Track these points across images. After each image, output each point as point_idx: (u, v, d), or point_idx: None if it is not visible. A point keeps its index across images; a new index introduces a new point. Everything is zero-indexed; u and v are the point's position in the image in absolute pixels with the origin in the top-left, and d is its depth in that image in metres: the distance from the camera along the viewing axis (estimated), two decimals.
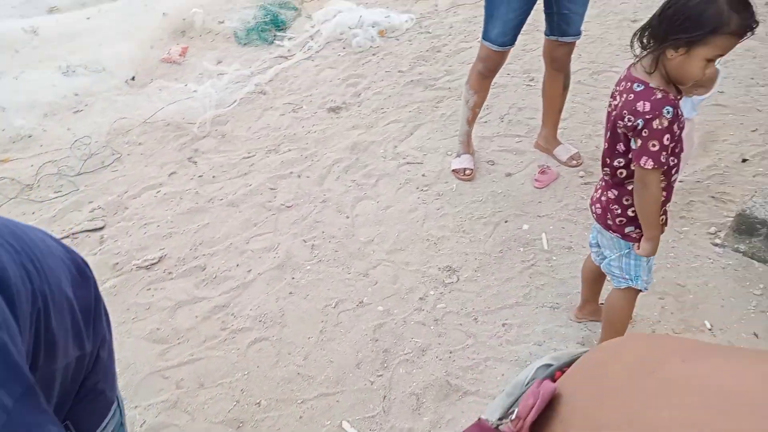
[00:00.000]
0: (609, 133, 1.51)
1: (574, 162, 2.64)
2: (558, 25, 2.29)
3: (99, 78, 3.49)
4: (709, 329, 1.84)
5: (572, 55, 3.61)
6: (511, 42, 2.30)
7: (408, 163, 2.81)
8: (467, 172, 2.64)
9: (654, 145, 1.38)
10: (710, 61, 1.32)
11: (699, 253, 2.09)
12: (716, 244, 2.09)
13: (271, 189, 2.72)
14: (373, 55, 3.89)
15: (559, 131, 2.90)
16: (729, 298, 1.92)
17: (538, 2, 2.25)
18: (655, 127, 1.37)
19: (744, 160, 2.51)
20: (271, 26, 4.13)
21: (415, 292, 2.12)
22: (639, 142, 1.40)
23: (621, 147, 1.48)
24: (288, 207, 2.60)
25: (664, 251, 2.03)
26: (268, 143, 3.04)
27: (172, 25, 4.08)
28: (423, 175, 2.71)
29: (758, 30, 3.49)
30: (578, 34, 2.33)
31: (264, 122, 3.22)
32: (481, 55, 2.41)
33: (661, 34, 1.36)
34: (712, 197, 2.34)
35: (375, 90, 3.48)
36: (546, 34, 2.39)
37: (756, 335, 1.79)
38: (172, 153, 3.05)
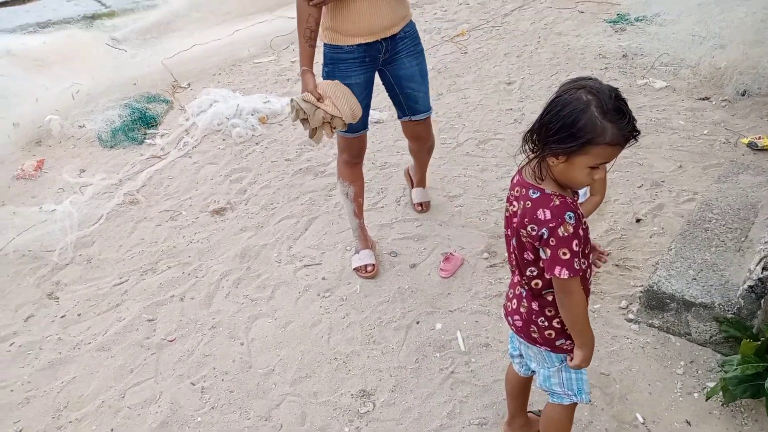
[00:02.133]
0: (514, 240, 1.38)
1: (420, 208, 2.79)
2: (407, 106, 2.29)
3: None
4: (642, 423, 1.72)
5: (456, 125, 3.67)
6: (363, 127, 2.26)
7: (305, 266, 2.57)
8: (369, 268, 2.46)
9: (564, 254, 1.26)
10: (594, 168, 1.23)
11: (616, 333, 2.01)
12: (630, 320, 2.03)
13: (149, 321, 2.36)
14: (257, 144, 3.68)
15: (455, 209, 2.84)
16: (655, 383, 1.83)
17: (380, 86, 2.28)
18: (561, 234, 1.25)
19: (638, 220, 2.53)
20: (140, 124, 3.81)
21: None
22: (548, 251, 1.28)
23: (529, 256, 1.35)
24: (170, 341, 2.25)
25: None
26: (144, 262, 2.68)
27: (26, 135, 3.64)
28: (323, 278, 2.48)
29: (621, 81, 3.64)
30: (428, 109, 2.34)
31: (137, 237, 2.86)
32: (341, 145, 2.35)
33: (541, 141, 1.27)
34: (616, 265, 2.30)
35: (262, 184, 3.24)
36: (399, 117, 2.37)
37: (688, 423, 1.70)
38: (28, 291, 2.59)
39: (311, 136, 2.03)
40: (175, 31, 5.33)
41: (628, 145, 1.20)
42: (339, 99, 2.00)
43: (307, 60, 2.03)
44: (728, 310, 1.76)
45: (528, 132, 1.31)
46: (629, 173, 2.88)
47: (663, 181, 2.81)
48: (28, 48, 5.11)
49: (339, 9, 2.00)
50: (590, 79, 1.27)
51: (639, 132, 1.20)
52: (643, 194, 2.73)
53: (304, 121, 1.98)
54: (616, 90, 1.21)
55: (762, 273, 1.66)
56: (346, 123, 2.04)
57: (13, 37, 5.62)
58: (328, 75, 2.13)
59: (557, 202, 1.28)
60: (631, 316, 2.04)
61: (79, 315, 2.43)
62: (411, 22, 2.18)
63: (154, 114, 3.93)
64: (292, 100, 1.98)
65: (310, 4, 1.96)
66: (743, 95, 3.53)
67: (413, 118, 2.31)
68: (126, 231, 2.91)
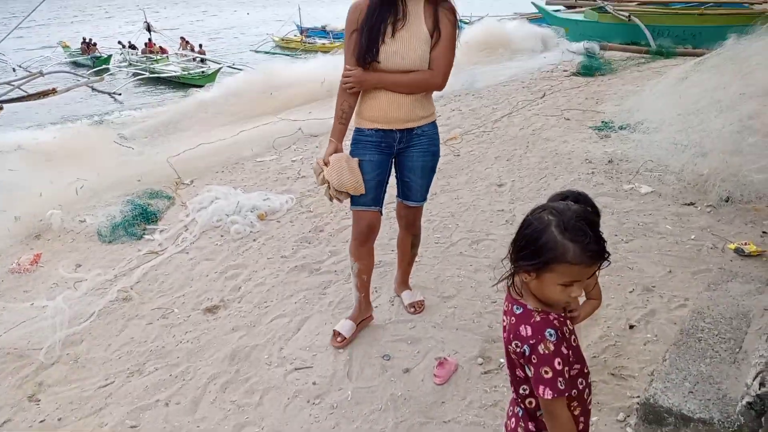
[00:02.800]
0: (506, 356, 1.38)
1: (413, 309, 2.81)
2: (402, 190, 2.55)
3: None
4: None
5: (449, 225, 3.75)
6: (374, 203, 2.43)
7: (296, 369, 2.52)
8: (339, 339, 2.63)
9: (546, 372, 1.25)
10: (567, 285, 1.25)
11: None
12: None
13: (132, 427, 2.26)
14: (254, 240, 3.74)
15: (449, 310, 2.83)
16: None
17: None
18: (542, 352, 1.25)
19: (631, 327, 2.53)
20: (140, 220, 3.89)
21: None
22: (531, 369, 1.27)
23: (520, 373, 1.35)
24: None
25: None
26: (131, 363, 2.63)
27: (26, 229, 3.70)
28: (314, 383, 2.42)
29: (608, 186, 3.74)
30: (419, 201, 2.55)
31: (127, 336, 2.82)
32: (353, 220, 2.52)
33: (513, 258, 1.31)
34: (612, 374, 2.27)
35: (257, 281, 3.25)
36: (396, 196, 2.61)
37: None
38: (8, 392, 2.51)
39: (326, 194, 2.42)
40: (183, 131, 5.59)
41: (601, 266, 1.23)
42: (333, 167, 2.31)
43: (336, 134, 2.40)
44: (728, 427, 1.71)
45: (509, 248, 1.36)
46: (620, 277, 2.92)
47: (654, 286, 2.84)
48: (38, 143, 5.32)
49: (366, 98, 2.34)
50: (574, 193, 1.33)
51: (608, 253, 1.23)
52: (635, 299, 2.74)
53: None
54: (585, 210, 1.26)
55: (759, 389, 1.64)
56: (340, 191, 2.34)
57: (26, 132, 5.87)
58: (351, 151, 2.41)
59: (538, 319, 1.30)
60: (629, 430, 1.98)
61: (59, 420, 2.34)
62: (432, 124, 2.43)
63: (155, 210, 4.02)
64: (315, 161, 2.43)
65: (348, 92, 2.32)
66: (727, 201, 3.65)
67: (404, 201, 2.56)
68: (116, 329, 2.87)
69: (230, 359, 2.61)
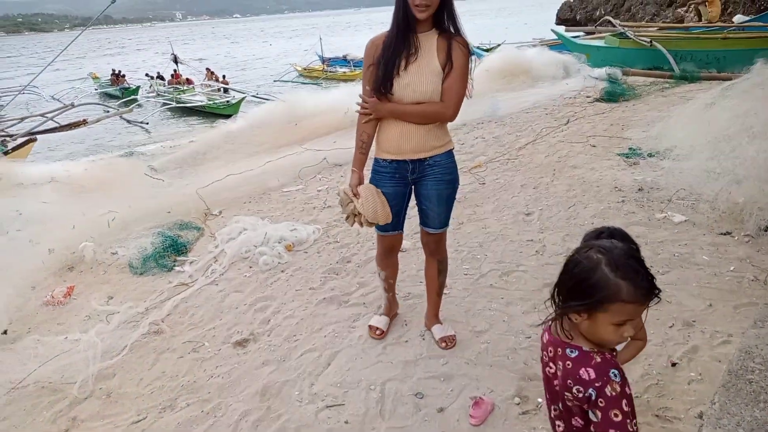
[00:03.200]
0: (559, 404, 1.33)
1: (444, 344, 2.78)
2: (422, 217, 2.61)
3: None
4: None
5: (478, 255, 3.70)
6: (394, 228, 2.62)
7: (328, 406, 2.48)
8: (378, 332, 2.90)
9: (616, 415, 1.20)
10: (621, 324, 1.22)
11: None
12: None
13: None
14: (282, 272, 3.74)
15: (482, 345, 2.78)
16: None
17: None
18: (609, 394, 1.21)
19: (673, 364, 2.44)
20: (171, 251, 3.93)
21: None
22: (598, 414, 1.22)
23: (578, 422, 1.30)
24: None
25: None
26: (163, 398, 2.62)
27: (59, 261, 3.76)
28: (346, 422, 2.38)
29: (639, 215, 3.67)
30: (438, 228, 2.59)
31: (159, 370, 2.82)
32: (378, 240, 2.72)
33: (561, 299, 1.28)
34: (656, 416, 2.18)
35: (286, 313, 3.24)
36: (419, 223, 2.66)
37: None
38: (42, 427, 2.52)
39: (346, 219, 2.50)
40: (210, 161, 5.68)
41: (652, 303, 1.20)
42: (368, 201, 2.40)
43: (357, 164, 2.51)
44: None
45: (554, 286, 1.33)
46: (659, 311, 2.83)
47: (694, 321, 2.75)
48: (70, 175, 5.45)
49: (382, 129, 2.45)
50: (609, 229, 1.30)
51: (659, 290, 1.20)
52: (676, 335, 2.65)
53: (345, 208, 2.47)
54: (630, 248, 1.24)
55: None
56: (370, 221, 2.43)
57: (58, 164, 6.03)
58: (371, 181, 2.52)
59: (599, 360, 1.26)
60: None
61: None
62: (446, 153, 2.47)
63: (185, 241, 4.07)
64: (338, 191, 2.49)
65: (362, 122, 2.46)
66: (766, 231, 3.55)
67: (425, 228, 2.63)
68: (148, 363, 2.88)
69: (261, 395, 2.59)
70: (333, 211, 4.72)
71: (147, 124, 14.73)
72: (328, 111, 7.14)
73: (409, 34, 2.28)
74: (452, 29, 2.32)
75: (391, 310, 3.01)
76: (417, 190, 2.53)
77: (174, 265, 3.82)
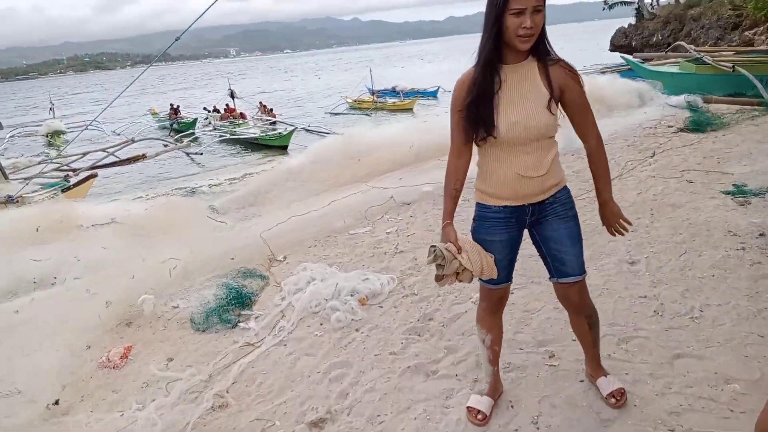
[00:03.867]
0: None
1: (614, 400, 2.40)
2: (554, 267, 2.24)
3: (8, 405, 2.70)
4: None
5: None
6: (506, 279, 2.29)
7: None
8: (479, 417, 2.43)
9: None
10: None
11: None
12: None
13: None
14: (357, 330, 3.32)
15: None
16: None
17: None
18: None
19: None
20: (235, 304, 3.58)
21: None
22: None
23: None
24: None
25: None
26: None
27: (117, 315, 3.48)
28: None
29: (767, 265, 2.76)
30: (579, 273, 2.22)
31: None
32: (482, 294, 2.37)
33: None
34: None
35: (365, 385, 2.80)
36: (550, 278, 2.30)
37: None
38: None
39: (438, 280, 2.16)
40: (272, 200, 5.39)
41: None
42: (474, 255, 2.12)
43: (450, 215, 2.16)
44: None
45: None
46: None
47: None
48: (130, 215, 5.28)
49: (489, 174, 2.12)
50: None
51: None
52: None
53: (439, 266, 2.11)
54: None
55: None
56: (473, 277, 2.16)
57: (118, 204, 5.89)
58: (475, 229, 2.23)
59: None
60: None
61: None
62: (564, 188, 2.18)
63: (249, 292, 3.72)
64: (434, 247, 2.09)
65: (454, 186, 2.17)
66: None
67: (560, 280, 2.24)
68: None
69: None
70: (405, 257, 4.30)
71: (201, 154, 14.95)
72: (390, 145, 6.81)
73: (499, 66, 1.99)
74: (550, 53, 2.00)
75: (497, 390, 2.54)
76: (539, 234, 2.21)
77: (238, 321, 3.47)
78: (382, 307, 3.58)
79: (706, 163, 5.91)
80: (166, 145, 15.30)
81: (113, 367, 3.06)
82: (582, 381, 2.65)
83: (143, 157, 13.26)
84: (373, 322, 3.40)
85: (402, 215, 5.28)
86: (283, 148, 14.12)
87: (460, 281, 2.16)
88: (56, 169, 10.48)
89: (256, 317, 3.52)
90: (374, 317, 3.46)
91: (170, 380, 2.90)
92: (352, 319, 3.41)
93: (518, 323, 3.18)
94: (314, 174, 6.22)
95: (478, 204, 2.22)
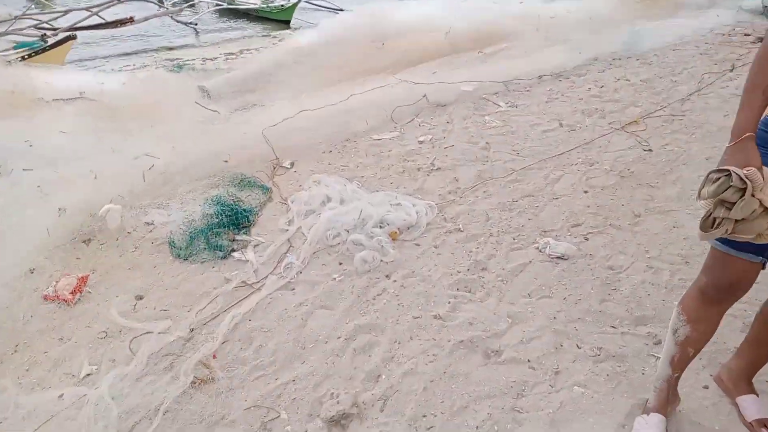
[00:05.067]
0: None
1: (765, 430, 1.74)
2: None
3: None
4: None
5: (685, 277, 2.40)
6: (759, 251, 1.48)
7: None
8: None
9: None
10: None
11: None
12: None
13: None
14: (387, 277, 2.53)
15: None
16: None
17: None
18: None
19: None
20: (228, 226, 2.74)
21: None
22: None
23: None
24: None
25: None
26: None
27: (72, 230, 2.63)
28: None
29: None
30: None
31: None
32: (707, 264, 1.60)
33: None
34: None
35: (403, 365, 2.05)
36: None
37: None
38: None
39: (706, 229, 1.43)
40: (277, 88, 4.36)
41: None
42: None
43: (753, 123, 1.40)
44: None
45: None
46: None
47: None
48: (103, 90, 4.26)
49: None
50: None
51: None
52: None
53: (723, 204, 1.39)
54: None
55: None
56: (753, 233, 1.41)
57: (92, 74, 4.83)
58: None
59: None
60: None
61: None
62: None
63: (247, 209, 2.86)
64: (724, 171, 1.38)
65: None
66: None
67: None
68: None
69: None
70: (444, 176, 3.40)
71: (196, 25, 13.40)
72: (422, 29, 5.63)
73: None
74: None
75: (669, 403, 1.80)
76: None
77: (232, 249, 2.64)
78: (419, 245, 2.75)
79: None
80: (157, 9, 13.67)
81: (62, 302, 2.26)
82: (706, 387, 1.92)
83: (131, 20, 11.80)
84: (409, 267, 2.59)
85: (437, 120, 4.30)
86: (285, 23, 12.60)
87: (731, 236, 1.42)
88: (33, 26, 9.22)
89: (256, 245, 2.69)
90: (410, 260, 2.65)
91: (137, 333, 2.12)
92: (382, 261, 2.60)
93: (603, 286, 2.40)
94: (328, 58, 5.10)
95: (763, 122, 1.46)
